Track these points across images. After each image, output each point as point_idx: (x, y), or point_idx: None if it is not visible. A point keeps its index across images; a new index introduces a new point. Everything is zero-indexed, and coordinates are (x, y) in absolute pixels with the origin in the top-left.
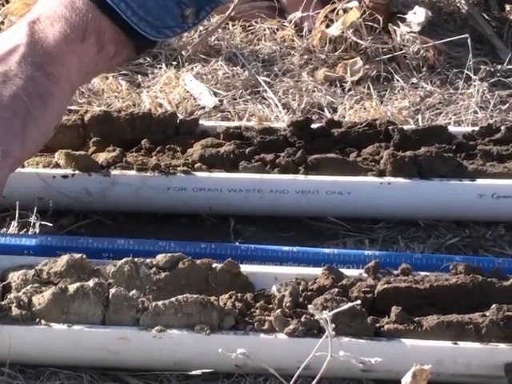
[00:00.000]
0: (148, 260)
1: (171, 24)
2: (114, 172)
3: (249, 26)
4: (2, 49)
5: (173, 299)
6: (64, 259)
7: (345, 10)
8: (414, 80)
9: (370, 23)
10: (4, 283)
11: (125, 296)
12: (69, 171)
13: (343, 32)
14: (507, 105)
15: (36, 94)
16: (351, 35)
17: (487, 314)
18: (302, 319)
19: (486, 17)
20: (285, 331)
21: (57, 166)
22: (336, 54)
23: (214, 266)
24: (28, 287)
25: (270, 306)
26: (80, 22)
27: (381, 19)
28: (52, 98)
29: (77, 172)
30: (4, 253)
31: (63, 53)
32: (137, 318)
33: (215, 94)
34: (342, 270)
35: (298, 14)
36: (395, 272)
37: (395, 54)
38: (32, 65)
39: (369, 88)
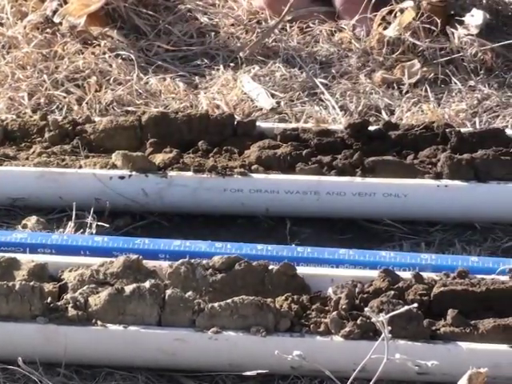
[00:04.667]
0: (204, 261)
1: None
2: (171, 173)
3: (306, 28)
4: None
5: (229, 301)
6: (120, 260)
7: (402, 12)
8: (472, 83)
9: (428, 25)
10: (61, 283)
11: (181, 297)
12: (126, 172)
13: (401, 34)
14: None
15: None
16: (409, 37)
17: None
18: (358, 322)
19: None
20: (341, 333)
21: (114, 166)
22: (393, 56)
23: (270, 267)
24: (84, 288)
25: (326, 308)
26: None
27: (438, 21)
28: None
29: (134, 173)
30: (61, 253)
31: None
32: (193, 319)
33: (272, 95)
34: (398, 272)
35: (353, 20)
36: (452, 275)
37: (453, 56)
38: None
39: (426, 90)
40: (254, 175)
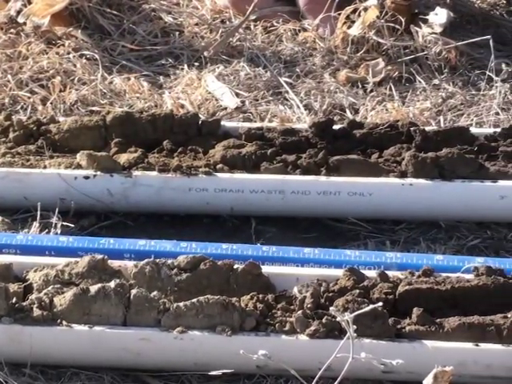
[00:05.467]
0: (169, 261)
1: None
2: (136, 173)
3: (270, 27)
4: None
5: (194, 300)
6: (85, 260)
7: (366, 10)
8: (436, 81)
9: (392, 24)
10: (26, 284)
11: (146, 297)
12: (90, 172)
13: (365, 33)
14: None
15: None
16: (373, 36)
17: (509, 315)
18: (324, 320)
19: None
20: (306, 332)
21: (78, 166)
22: (358, 55)
23: (235, 267)
24: (49, 288)
25: (292, 307)
26: None
27: (403, 20)
28: None
29: (98, 173)
30: (26, 253)
31: None
32: (158, 319)
33: (237, 94)
34: (363, 271)
35: (317, 20)
36: (417, 273)
37: (417, 55)
38: None
39: (391, 89)
40: (219, 174)
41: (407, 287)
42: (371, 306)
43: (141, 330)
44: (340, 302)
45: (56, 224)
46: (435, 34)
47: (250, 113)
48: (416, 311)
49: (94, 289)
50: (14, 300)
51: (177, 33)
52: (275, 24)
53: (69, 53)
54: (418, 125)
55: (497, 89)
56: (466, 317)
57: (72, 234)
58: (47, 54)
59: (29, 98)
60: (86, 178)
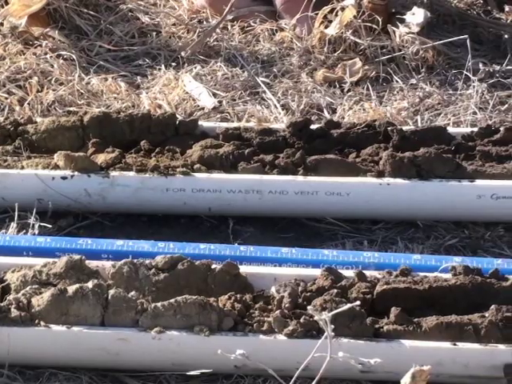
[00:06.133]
0: (147, 261)
1: None
2: (113, 173)
3: (247, 27)
4: None
5: (172, 300)
6: (63, 260)
7: (343, 10)
8: (413, 81)
9: (369, 24)
10: (3, 284)
11: (124, 297)
12: (68, 172)
13: (342, 32)
14: (506, 105)
15: None
16: (350, 36)
17: (486, 314)
18: (301, 320)
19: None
20: (284, 332)
21: (56, 167)
22: (335, 54)
23: (213, 266)
24: (27, 288)
25: (269, 307)
26: None
27: (380, 20)
28: None
29: (76, 173)
30: (3, 254)
31: None
32: (136, 319)
33: (214, 94)
34: (341, 270)
35: (294, 20)
36: (394, 273)
37: (394, 54)
38: None
39: (368, 89)
40: (197, 175)
41: (385, 287)
42: (349, 305)
43: (119, 330)
44: (318, 301)
45: (34, 224)
46: (412, 33)
47: (228, 113)
48: (394, 311)
49: (71, 289)
50: None
51: (154, 33)
52: (252, 24)
53: (46, 53)
54: (396, 124)
55: (474, 88)
56: (443, 316)
57: (50, 235)
58: (24, 54)
59: (6, 98)
60: (64, 178)
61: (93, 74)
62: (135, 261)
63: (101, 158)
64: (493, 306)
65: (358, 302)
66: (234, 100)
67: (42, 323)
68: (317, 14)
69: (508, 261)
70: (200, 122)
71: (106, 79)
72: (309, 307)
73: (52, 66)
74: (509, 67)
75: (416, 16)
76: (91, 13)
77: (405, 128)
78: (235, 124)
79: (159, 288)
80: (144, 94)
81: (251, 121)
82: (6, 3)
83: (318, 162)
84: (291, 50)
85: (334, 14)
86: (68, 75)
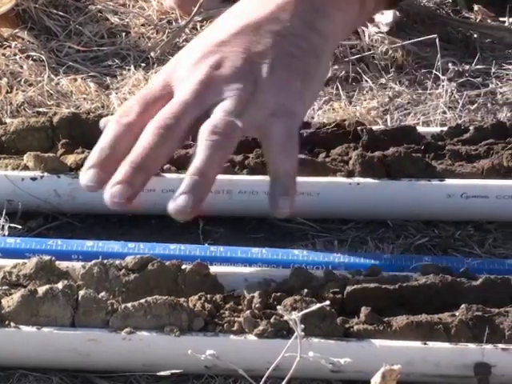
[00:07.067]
0: (117, 262)
1: None
2: None
3: None
4: (269, 6)
5: (142, 301)
6: (33, 261)
7: None
8: (383, 80)
9: None
10: None
11: (94, 298)
12: (37, 173)
13: None
14: (475, 105)
15: (311, 52)
16: None
17: (456, 313)
18: (272, 320)
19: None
20: (254, 332)
21: (25, 168)
22: None
23: (183, 267)
24: None
25: (240, 307)
26: None
27: None
28: (324, 56)
29: (45, 174)
30: None
31: (330, 9)
32: (106, 319)
33: None
34: (311, 270)
35: None
36: (364, 272)
37: (363, 54)
38: (304, 23)
39: (337, 88)
40: (166, 175)
41: (355, 286)
42: (318, 305)
43: (89, 331)
44: (288, 301)
45: (3, 226)
46: (382, 33)
47: None
48: (364, 310)
49: (41, 290)
50: None
51: (123, 33)
52: None
53: (15, 54)
54: (365, 124)
55: (443, 88)
56: (414, 315)
57: (19, 236)
58: None
59: None
60: (33, 179)
61: (62, 74)
62: (105, 261)
63: (70, 159)
64: (463, 305)
65: (327, 302)
66: None
67: (12, 324)
68: None
69: (478, 260)
70: None
71: (75, 80)
72: (278, 307)
73: (21, 67)
74: (478, 66)
75: (385, 16)
76: (60, 13)
77: (374, 128)
78: None
79: (129, 288)
80: (114, 94)
81: None
82: None
83: None
84: None
85: None
86: (37, 76)
